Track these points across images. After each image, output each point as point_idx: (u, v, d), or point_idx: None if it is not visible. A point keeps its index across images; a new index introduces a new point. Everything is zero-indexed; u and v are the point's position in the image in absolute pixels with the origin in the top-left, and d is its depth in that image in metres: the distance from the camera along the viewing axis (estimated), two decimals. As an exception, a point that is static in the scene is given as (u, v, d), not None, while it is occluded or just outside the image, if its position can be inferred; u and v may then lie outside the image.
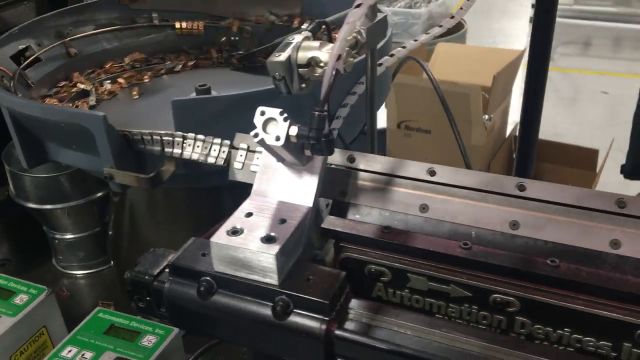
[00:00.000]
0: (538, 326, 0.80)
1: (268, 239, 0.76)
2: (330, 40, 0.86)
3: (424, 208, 0.87)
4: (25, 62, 1.47)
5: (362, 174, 0.91)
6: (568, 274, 0.78)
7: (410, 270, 0.85)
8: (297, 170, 0.85)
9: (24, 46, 1.51)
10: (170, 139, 1.02)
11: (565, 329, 0.79)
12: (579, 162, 2.79)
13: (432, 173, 0.88)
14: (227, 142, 0.99)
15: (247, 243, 0.76)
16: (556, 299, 0.78)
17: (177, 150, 1.01)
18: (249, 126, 0.99)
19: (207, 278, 0.79)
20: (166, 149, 1.01)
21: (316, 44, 0.80)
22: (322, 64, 0.79)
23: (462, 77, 2.74)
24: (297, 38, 0.82)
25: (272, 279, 0.75)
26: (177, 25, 1.73)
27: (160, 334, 1.19)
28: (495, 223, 0.83)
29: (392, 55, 1.32)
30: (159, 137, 1.01)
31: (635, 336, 0.74)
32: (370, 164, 0.91)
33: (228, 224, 0.79)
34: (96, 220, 1.72)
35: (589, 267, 0.78)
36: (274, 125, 0.76)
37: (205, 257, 0.80)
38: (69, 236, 1.73)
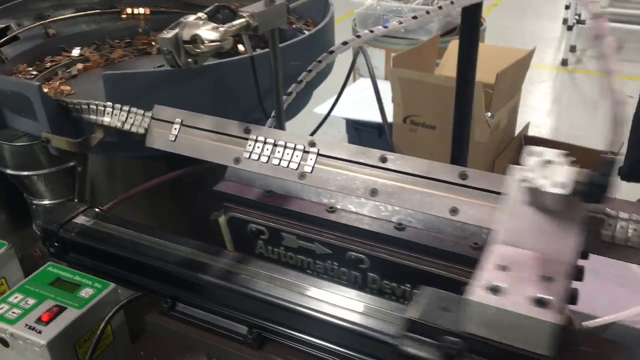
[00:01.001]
0: (386, 282, 0.91)
1: (539, 302, 0.63)
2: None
3: (302, 175, 0.97)
4: (3, 40, 1.61)
5: (255, 143, 1.01)
6: (411, 236, 0.87)
7: (283, 229, 0.95)
8: (553, 217, 0.72)
9: (3, 25, 1.65)
10: (100, 108, 1.14)
11: (407, 284, 0.89)
12: (588, 165, 2.81)
13: (312, 144, 0.98)
14: (149, 113, 1.11)
15: (516, 305, 0.63)
16: (399, 258, 0.88)
17: (103, 118, 1.14)
18: (170, 100, 1.11)
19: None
20: (92, 116, 1.14)
21: (201, 23, 0.91)
22: (206, 42, 0.90)
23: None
24: (189, 18, 0.93)
25: (542, 349, 0.63)
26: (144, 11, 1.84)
27: (98, 287, 1.31)
28: (358, 190, 0.93)
29: (345, 44, 1.41)
30: (86, 106, 1.14)
31: (460, 291, 0.84)
32: (264, 134, 1.02)
33: (484, 279, 0.66)
34: (70, 188, 1.86)
35: (430, 231, 0.88)
36: (551, 169, 0.69)
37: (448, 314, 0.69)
38: (45, 202, 1.88)
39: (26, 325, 1.19)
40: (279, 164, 0.98)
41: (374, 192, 0.91)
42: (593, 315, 1.29)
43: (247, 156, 1.00)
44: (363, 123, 3.12)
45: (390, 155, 0.92)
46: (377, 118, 1.78)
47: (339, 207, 0.93)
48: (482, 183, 0.84)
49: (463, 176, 0.86)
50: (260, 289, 0.83)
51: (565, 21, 5.45)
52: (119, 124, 1.12)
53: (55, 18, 1.79)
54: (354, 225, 0.90)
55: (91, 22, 1.87)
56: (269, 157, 0.98)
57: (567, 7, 5.47)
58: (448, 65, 3.16)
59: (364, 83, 3.54)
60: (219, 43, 0.92)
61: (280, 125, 1.16)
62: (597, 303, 1.36)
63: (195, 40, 0.90)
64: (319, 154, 0.97)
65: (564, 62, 5.20)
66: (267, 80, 1.18)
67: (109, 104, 1.15)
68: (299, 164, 0.97)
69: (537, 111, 4.49)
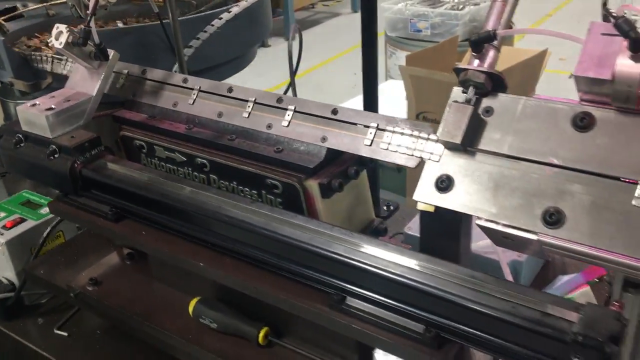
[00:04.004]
0: (222, 181, 1.18)
1: (49, 109, 1.19)
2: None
3: (175, 104, 1.26)
4: (8, 15, 1.99)
5: (147, 82, 1.31)
6: (239, 145, 1.15)
7: (154, 143, 1.25)
8: (91, 71, 1.27)
9: (11, 5, 2.03)
10: (49, 58, 1.47)
11: (234, 182, 1.16)
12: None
13: (185, 81, 1.26)
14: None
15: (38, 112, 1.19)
16: (231, 161, 1.15)
17: (51, 66, 1.47)
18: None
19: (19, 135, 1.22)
20: (44, 65, 1.47)
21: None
22: (99, -2, 1.21)
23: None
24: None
25: (46, 133, 1.18)
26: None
27: (55, 207, 1.64)
28: (208, 113, 1.21)
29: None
30: (39, 57, 1.47)
31: (266, 184, 1.10)
32: (153, 75, 1.31)
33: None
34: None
35: (251, 141, 1.15)
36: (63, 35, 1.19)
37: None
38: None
39: (-7, 230, 1.52)
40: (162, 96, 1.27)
41: (220, 115, 1.18)
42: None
43: (142, 91, 1.30)
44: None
45: (284, 97, 1.15)
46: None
47: (195, 126, 1.21)
48: (348, 117, 1.03)
49: (334, 112, 1.07)
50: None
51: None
52: (62, 71, 1.44)
53: (55, 2, 2.16)
54: (200, 137, 1.18)
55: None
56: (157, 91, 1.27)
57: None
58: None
59: (392, 84, 3.76)
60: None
61: (182, 71, 1.46)
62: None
63: (93, -5, 1.21)
64: (188, 88, 1.25)
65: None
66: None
67: (56, 55, 1.48)
68: (176, 95, 1.26)
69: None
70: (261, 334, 1.07)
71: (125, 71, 1.29)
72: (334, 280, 0.92)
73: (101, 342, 1.32)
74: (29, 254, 1.57)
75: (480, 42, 0.95)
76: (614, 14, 0.82)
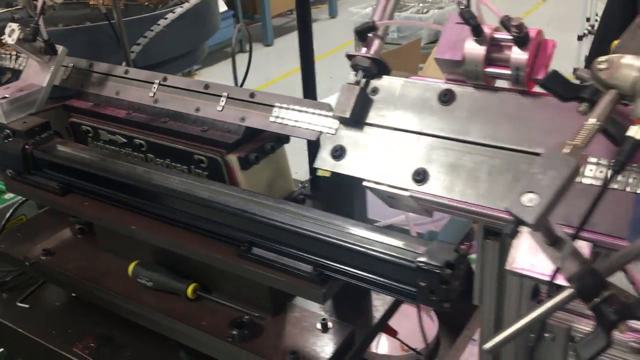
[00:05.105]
0: (158, 159, 1.34)
1: (3, 98, 1.35)
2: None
3: (117, 92, 1.42)
4: (-26, 19, 2.14)
5: (94, 74, 1.47)
6: (171, 126, 1.31)
7: (98, 127, 1.41)
8: (42, 65, 1.42)
9: (-22, 10, 2.18)
10: (7, 56, 1.62)
11: (168, 159, 1.32)
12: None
13: (126, 72, 1.42)
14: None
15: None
16: (164, 141, 1.31)
17: (9, 63, 1.62)
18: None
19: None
20: (4, 62, 1.63)
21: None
22: None
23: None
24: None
25: (0, 119, 1.34)
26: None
27: (16, 194, 1.79)
28: (146, 99, 1.37)
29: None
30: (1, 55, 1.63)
31: (194, 159, 1.27)
32: (99, 68, 1.47)
33: None
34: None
35: (181, 122, 1.31)
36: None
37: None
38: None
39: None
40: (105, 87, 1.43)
41: (156, 101, 1.35)
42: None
43: (89, 82, 1.46)
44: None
45: (210, 84, 1.31)
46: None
47: (135, 112, 1.37)
48: (263, 100, 1.21)
49: (252, 95, 1.24)
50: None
51: (579, 37, 5.25)
52: (19, 67, 1.59)
53: (20, 7, 2.31)
54: (138, 121, 1.35)
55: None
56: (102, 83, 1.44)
57: (588, 20, 5.32)
58: (431, 68, 3.52)
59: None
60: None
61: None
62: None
63: (41, -5, 1.37)
64: (132, 79, 1.41)
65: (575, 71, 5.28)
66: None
67: (13, 53, 1.63)
68: (119, 85, 1.42)
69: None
70: (190, 289, 1.23)
71: (71, 64, 1.45)
72: (242, 234, 1.08)
73: (60, 312, 1.47)
74: (-7, 233, 1.72)
75: (364, 31, 1.12)
76: (462, 6, 1.00)
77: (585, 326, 0.93)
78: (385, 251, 0.93)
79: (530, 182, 0.67)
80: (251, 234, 1.07)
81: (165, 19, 1.69)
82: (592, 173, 0.89)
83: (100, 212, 1.26)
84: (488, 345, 0.78)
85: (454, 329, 1.65)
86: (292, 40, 7.54)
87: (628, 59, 0.66)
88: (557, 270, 0.77)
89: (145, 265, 1.28)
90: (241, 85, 1.75)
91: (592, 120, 0.67)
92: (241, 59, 1.62)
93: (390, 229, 0.99)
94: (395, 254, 0.92)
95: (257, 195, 1.10)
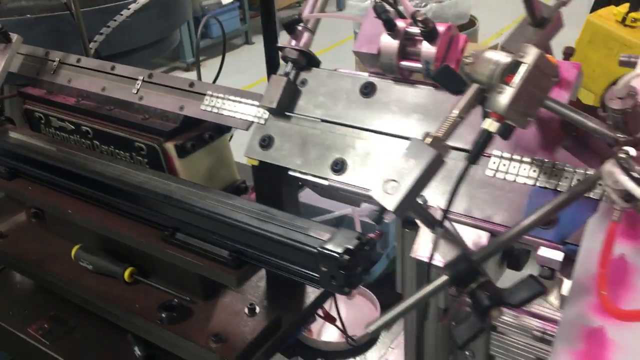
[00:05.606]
0: (103, 146, 1.38)
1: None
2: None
3: (69, 80, 1.45)
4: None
5: (48, 62, 1.50)
6: (114, 114, 1.34)
7: (49, 114, 1.44)
8: None
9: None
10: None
11: (112, 146, 1.36)
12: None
13: (78, 61, 1.46)
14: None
15: None
16: (108, 128, 1.35)
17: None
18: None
19: None
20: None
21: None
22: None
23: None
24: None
25: None
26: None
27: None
28: (95, 87, 1.40)
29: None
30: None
31: (135, 147, 1.30)
32: (53, 56, 1.51)
33: None
34: None
35: (126, 110, 1.34)
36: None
37: None
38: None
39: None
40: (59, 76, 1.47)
41: (103, 89, 1.38)
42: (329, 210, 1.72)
43: (44, 71, 1.50)
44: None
45: (154, 74, 1.35)
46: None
47: (84, 99, 1.41)
48: (201, 89, 1.25)
49: (191, 85, 1.28)
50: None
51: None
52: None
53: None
54: (85, 109, 1.38)
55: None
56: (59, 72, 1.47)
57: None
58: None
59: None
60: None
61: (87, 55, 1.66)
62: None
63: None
64: (87, 68, 1.45)
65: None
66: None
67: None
68: (73, 74, 1.45)
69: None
70: (127, 273, 1.26)
71: (25, 52, 1.49)
72: (168, 220, 1.12)
73: (19, 294, 1.51)
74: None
75: (290, 24, 1.14)
76: (376, 1, 1.02)
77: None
78: (291, 237, 0.96)
79: (392, 171, 0.69)
80: (176, 220, 1.11)
81: (129, 9, 1.72)
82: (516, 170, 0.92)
83: (41, 196, 1.30)
84: (371, 327, 0.81)
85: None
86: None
87: (489, 53, 0.68)
88: (433, 252, 0.80)
89: (86, 249, 1.32)
90: (214, 81, 1.78)
91: (454, 112, 0.70)
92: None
93: (297, 217, 1.02)
94: (300, 240, 0.94)
95: (184, 182, 1.13)
